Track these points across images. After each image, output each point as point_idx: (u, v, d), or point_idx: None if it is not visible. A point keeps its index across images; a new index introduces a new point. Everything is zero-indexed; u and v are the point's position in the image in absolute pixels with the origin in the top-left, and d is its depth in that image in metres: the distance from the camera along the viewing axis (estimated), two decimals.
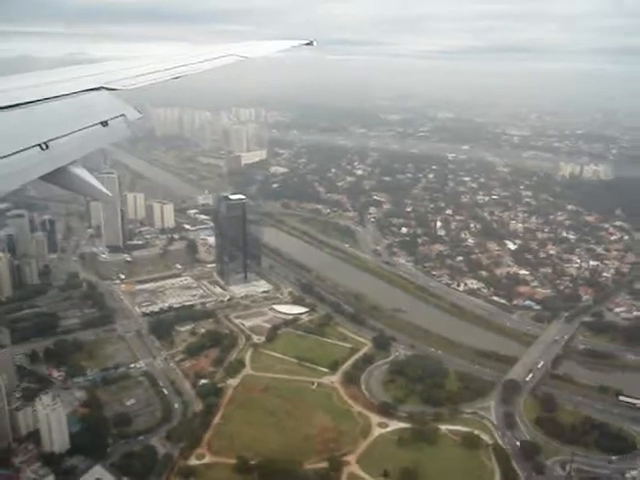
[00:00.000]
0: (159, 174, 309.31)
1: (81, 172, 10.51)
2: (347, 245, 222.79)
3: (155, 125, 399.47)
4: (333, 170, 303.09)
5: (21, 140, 9.13)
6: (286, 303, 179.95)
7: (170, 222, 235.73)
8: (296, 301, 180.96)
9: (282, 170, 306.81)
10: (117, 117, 11.93)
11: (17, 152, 8.67)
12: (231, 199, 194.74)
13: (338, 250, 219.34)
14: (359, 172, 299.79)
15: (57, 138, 9.76)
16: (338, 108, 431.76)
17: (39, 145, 9.20)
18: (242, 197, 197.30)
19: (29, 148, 8.99)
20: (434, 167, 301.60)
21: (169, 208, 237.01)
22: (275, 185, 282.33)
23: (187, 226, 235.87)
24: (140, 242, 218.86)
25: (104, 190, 11.20)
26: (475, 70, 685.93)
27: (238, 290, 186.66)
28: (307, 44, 24.72)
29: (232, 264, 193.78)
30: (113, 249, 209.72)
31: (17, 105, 10.10)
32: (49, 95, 11.16)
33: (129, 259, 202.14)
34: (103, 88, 12.85)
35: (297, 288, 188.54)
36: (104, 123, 11.31)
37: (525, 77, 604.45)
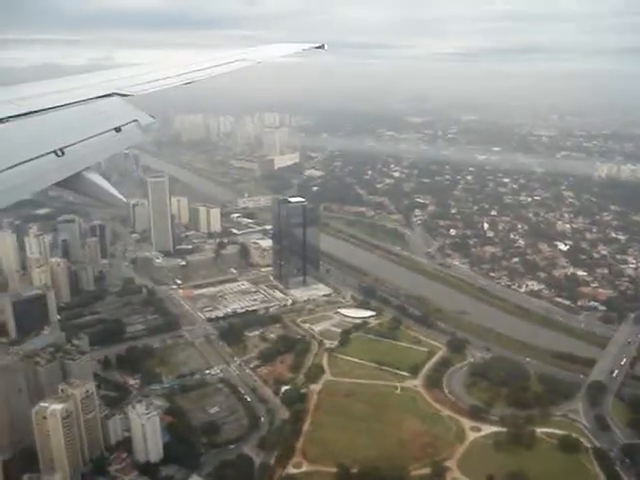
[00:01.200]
0: (192, 178, 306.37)
1: (96, 178, 10.49)
2: (398, 248, 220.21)
3: (180, 130, 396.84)
4: (369, 172, 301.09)
5: (37, 147, 9.17)
6: (350, 307, 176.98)
7: (216, 226, 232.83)
8: (360, 305, 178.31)
9: (318, 173, 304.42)
10: (130, 123, 11.94)
11: (33, 159, 8.70)
12: (291, 202, 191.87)
13: (390, 253, 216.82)
14: (396, 174, 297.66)
15: (72, 145, 9.81)
16: (360, 111, 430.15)
17: (54, 152, 9.24)
18: (302, 200, 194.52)
19: (45, 155, 9.04)
20: (470, 169, 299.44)
21: (215, 212, 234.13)
22: (315, 188, 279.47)
23: (234, 230, 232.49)
24: (189, 247, 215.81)
25: (119, 196, 11.15)
26: (491, 71, 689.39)
27: (299, 294, 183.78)
28: (318, 47, 24.79)
29: (290, 268, 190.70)
30: (165, 254, 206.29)
31: (32, 112, 10.15)
32: (63, 102, 11.24)
33: (183, 264, 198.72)
34: (116, 94, 12.89)
35: (358, 292, 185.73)
36: (117, 129, 11.38)
37: (542, 78, 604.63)
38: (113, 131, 11.34)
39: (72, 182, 10.00)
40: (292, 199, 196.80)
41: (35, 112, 10.33)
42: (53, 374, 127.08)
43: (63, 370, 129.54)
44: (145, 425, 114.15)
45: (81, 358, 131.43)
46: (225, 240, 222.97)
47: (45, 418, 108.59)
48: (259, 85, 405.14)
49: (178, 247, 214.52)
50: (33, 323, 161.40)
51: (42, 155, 9.08)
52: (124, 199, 11.84)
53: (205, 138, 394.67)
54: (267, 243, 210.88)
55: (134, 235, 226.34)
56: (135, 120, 12.21)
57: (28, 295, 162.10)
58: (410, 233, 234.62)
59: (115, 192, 11.14)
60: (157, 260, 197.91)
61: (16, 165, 8.42)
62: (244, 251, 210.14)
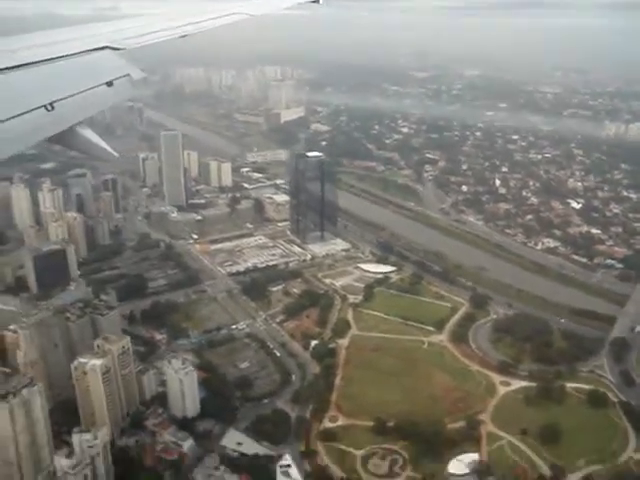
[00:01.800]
0: (197, 132, 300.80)
1: (87, 132, 10.26)
2: (411, 203, 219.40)
3: (181, 83, 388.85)
4: (377, 127, 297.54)
5: (27, 101, 8.88)
6: (370, 262, 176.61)
7: (228, 180, 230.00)
8: (379, 260, 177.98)
9: (324, 128, 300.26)
10: (122, 77, 11.69)
11: (23, 113, 8.45)
12: (309, 156, 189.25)
13: (404, 208, 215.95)
14: (404, 130, 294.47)
15: (62, 99, 9.51)
16: (362, 65, 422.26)
17: (44, 106, 8.96)
18: (319, 154, 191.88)
19: (35, 109, 8.77)
20: (479, 125, 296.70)
21: (227, 166, 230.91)
22: (323, 143, 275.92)
23: (246, 185, 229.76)
24: (202, 201, 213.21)
25: (110, 150, 10.91)
26: (491, 26, 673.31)
27: (317, 249, 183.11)
28: (313, 1, 24.49)
29: (307, 222, 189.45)
30: (178, 208, 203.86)
31: (22, 65, 9.84)
32: (54, 55, 10.90)
33: (199, 218, 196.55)
34: (108, 48, 12.58)
35: (376, 247, 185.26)
36: (109, 83, 11.12)
37: (543, 33, 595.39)
38: (104, 85, 11.05)
39: (63, 137, 9.80)
40: (309, 153, 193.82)
41: (25, 65, 9.99)
42: (84, 330, 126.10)
43: (93, 325, 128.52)
44: (183, 380, 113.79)
45: (110, 313, 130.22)
46: (237, 195, 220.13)
47: (85, 373, 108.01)
48: (257, 37, 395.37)
49: (191, 201, 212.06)
50: (54, 278, 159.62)
51: (32, 109, 8.77)
52: (116, 154, 11.44)
53: (207, 91, 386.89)
54: (282, 198, 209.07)
55: (145, 189, 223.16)
56: (127, 74, 11.91)
57: (48, 250, 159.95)
58: (422, 189, 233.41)
59: (107, 146, 10.85)
60: (172, 215, 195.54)
61: (5, 120, 8.12)
62: (258, 206, 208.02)
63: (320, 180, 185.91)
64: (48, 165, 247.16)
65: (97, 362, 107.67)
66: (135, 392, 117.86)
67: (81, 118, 10.21)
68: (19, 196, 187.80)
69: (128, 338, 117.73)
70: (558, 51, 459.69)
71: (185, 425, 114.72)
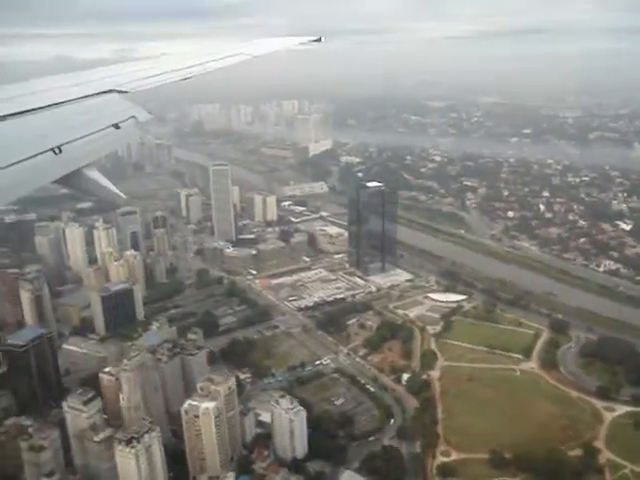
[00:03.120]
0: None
1: (95, 175, 10.28)
2: (462, 231, 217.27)
3: (201, 120, 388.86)
4: (409, 157, 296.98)
5: (35, 145, 9.05)
6: (438, 291, 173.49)
7: (273, 214, 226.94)
8: (445, 289, 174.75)
9: (356, 160, 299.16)
10: (128, 119, 11.82)
11: (31, 157, 8.60)
12: (369, 187, 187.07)
13: (455, 236, 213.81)
14: (437, 158, 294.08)
15: (70, 142, 9.65)
16: (375, 97, 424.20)
17: (52, 149, 9.09)
18: (380, 185, 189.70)
19: (43, 152, 8.89)
20: (509, 152, 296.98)
21: (272, 200, 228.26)
22: (359, 174, 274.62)
23: (292, 218, 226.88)
24: (252, 236, 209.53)
25: (118, 192, 10.85)
26: (496, 53, 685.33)
27: (380, 280, 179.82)
28: (315, 40, 24.43)
29: (367, 254, 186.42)
30: (232, 244, 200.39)
31: (31, 110, 10.07)
32: (61, 100, 11.12)
33: (254, 253, 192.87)
34: (114, 91, 12.80)
35: (439, 276, 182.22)
36: (116, 125, 11.24)
37: (547, 59, 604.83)
38: (111, 128, 11.16)
39: (71, 179, 9.73)
40: (369, 184, 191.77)
41: (33, 110, 10.22)
42: (175, 371, 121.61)
43: (182, 366, 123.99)
44: (293, 420, 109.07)
45: (199, 353, 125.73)
46: (285, 228, 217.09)
47: (197, 417, 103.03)
48: (264, 74, 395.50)
49: (240, 236, 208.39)
50: (121, 318, 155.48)
51: (40, 153, 8.87)
52: (124, 196, 11.36)
53: (227, 127, 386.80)
54: (334, 230, 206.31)
55: (189, 226, 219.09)
56: (133, 116, 12.02)
57: (116, 289, 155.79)
58: (468, 216, 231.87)
59: (114, 189, 10.78)
60: (227, 250, 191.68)
61: (14, 163, 8.19)
62: (312, 239, 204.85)
63: (381, 210, 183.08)
64: (85, 204, 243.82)
65: (209, 405, 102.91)
66: (238, 435, 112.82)
67: (89, 161, 10.24)
68: (73, 235, 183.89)
69: (233, 379, 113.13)
70: (565, 76, 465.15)
71: (296, 467, 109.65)
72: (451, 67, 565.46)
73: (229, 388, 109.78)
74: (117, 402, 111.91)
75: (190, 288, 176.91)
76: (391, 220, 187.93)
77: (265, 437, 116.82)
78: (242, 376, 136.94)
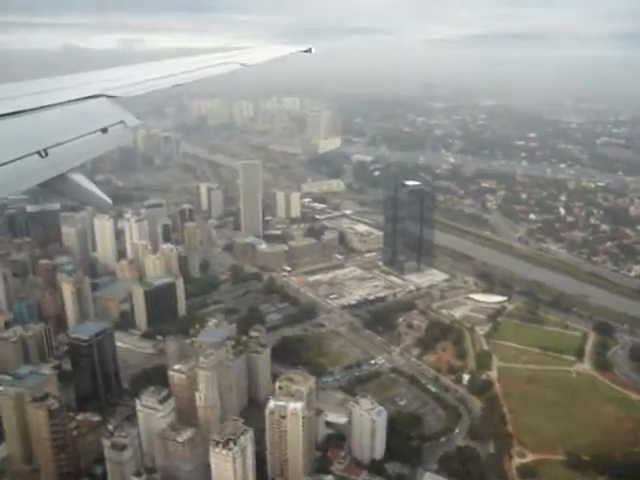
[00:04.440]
0: (236, 164, 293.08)
1: (80, 179, 10.21)
2: (487, 232, 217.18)
3: (203, 115, 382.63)
4: (422, 158, 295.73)
5: (21, 147, 8.98)
6: (476, 292, 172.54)
7: (296, 211, 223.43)
8: (484, 290, 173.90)
9: (368, 158, 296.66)
10: (116, 124, 11.83)
11: (16, 159, 8.56)
12: (408, 185, 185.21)
13: (482, 238, 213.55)
14: (451, 159, 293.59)
15: (56, 145, 9.57)
16: (376, 97, 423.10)
17: (38, 152, 9.03)
18: (418, 184, 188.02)
19: (28, 155, 8.86)
20: (522, 154, 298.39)
21: (295, 197, 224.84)
22: (376, 173, 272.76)
23: (317, 216, 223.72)
24: (278, 232, 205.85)
25: (104, 197, 10.77)
26: (492, 58, 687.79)
27: (417, 280, 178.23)
28: (305, 51, 24.70)
29: (403, 253, 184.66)
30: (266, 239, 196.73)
31: (18, 112, 9.98)
32: (49, 102, 11.05)
33: (286, 249, 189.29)
34: (102, 95, 12.79)
35: (474, 277, 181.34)
36: (104, 130, 11.23)
37: (543, 64, 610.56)
38: (99, 132, 11.09)
39: (56, 183, 9.69)
40: (408, 182, 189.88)
41: (20, 112, 10.08)
42: (241, 369, 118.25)
43: (247, 364, 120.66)
44: (376, 421, 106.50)
45: (264, 351, 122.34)
46: (309, 225, 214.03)
47: (283, 417, 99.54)
48: (264, 72, 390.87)
49: (266, 232, 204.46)
50: (163, 313, 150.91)
51: (25, 156, 8.78)
52: (109, 201, 11.12)
53: (230, 122, 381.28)
54: (363, 228, 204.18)
55: (210, 220, 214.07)
56: (122, 121, 11.97)
57: (158, 284, 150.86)
58: (490, 217, 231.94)
59: (100, 193, 10.65)
60: (260, 246, 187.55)
61: None
62: (341, 236, 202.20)
63: (418, 210, 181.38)
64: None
65: (297, 405, 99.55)
66: (313, 436, 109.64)
67: (75, 164, 10.12)
68: (103, 227, 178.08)
69: (314, 378, 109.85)
70: (560, 81, 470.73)
71: (375, 468, 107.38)
72: (448, 69, 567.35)
73: (310, 387, 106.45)
74: (188, 401, 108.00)
75: (226, 284, 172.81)
76: (428, 220, 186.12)
77: (337, 438, 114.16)
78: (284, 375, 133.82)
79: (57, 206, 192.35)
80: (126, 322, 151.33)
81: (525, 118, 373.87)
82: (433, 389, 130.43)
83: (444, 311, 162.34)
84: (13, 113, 9.94)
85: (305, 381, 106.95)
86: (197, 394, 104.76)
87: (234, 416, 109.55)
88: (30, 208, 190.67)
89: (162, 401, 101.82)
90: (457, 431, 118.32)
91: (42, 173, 9.18)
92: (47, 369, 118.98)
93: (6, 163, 8.35)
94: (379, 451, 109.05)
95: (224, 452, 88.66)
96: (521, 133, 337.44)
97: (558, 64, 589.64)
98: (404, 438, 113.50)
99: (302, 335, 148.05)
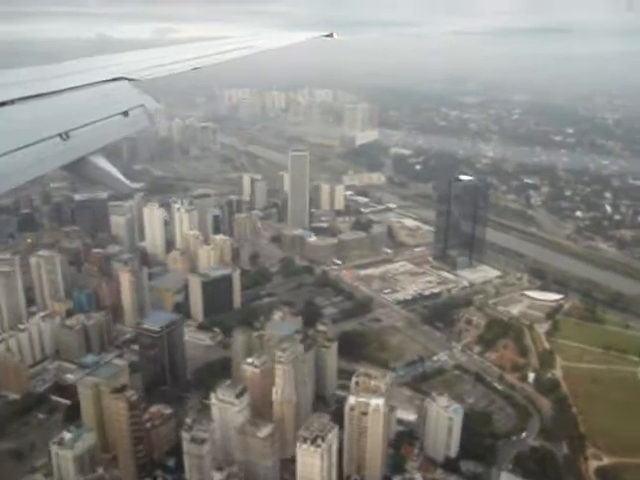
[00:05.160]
0: (273, 155, 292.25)
1: (102, 162, 10.14)
2: (534, 229, 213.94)
3: (235, 105, 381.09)
4: (461, 152, 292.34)
5: (42, 130, 9.01)
6: (531, 289, 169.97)
7: (340, 204, 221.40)
8: (538, 288, 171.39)
9: (406, 152, 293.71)
10: (137, 107, 11.64)
11: (38, 142, 8.60)
12: (462, 180, 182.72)
13: (529, 234, 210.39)
14: (490, 154, 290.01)
15: (78, 128, 9.56)
16: (407, 90, 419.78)
17: (60, 135, 9.05)
18: (472, 178, 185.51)
19: (50, 138, 8.87)
20: (563, 150, 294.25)
21: (340, 189, 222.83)
22: (417, 167, 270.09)
23: (362, 209, 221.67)
24: (325, 225, 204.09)
25: (125, 181, 10.68)
26: (519, 51, 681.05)
27: (470, 275, 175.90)
28: (326, 36, 24.14)
29: (452, 248, 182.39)
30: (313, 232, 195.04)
31: (40, 95, 10.02)
32: (70, 85, 11.09)
33: (335, 242, 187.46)
34: (123, 78, 12.70)
35: (526, 274, 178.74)
36: (125, 113, 11.11)
37: (571, 59, 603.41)
38: (120, 115, 11.02)
39: (77, 166, 9.60)
40: (462, 177, 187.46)
41: (42, 95, 10.11)
42: (310, 364, 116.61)
43: (315, 358, 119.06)
44: (453, 418, 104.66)
45: (332, 345, 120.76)
46: (354, 218, 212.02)
47: (365, 414, 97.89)
48: (291, 63, 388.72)
49: (312, 225, 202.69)
50: (219, 305, 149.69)
51: (47, 138, 8.81)
52: (130, 184, 11.44)
53: (262, 113, 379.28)
54: (411, 222, 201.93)
55: (254, 212, 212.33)
56: (142, 105, 11.79)
57: (216, 275, 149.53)
58: (535, 214, 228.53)
59: (121, 177, 10.48)
60: (310, 239, 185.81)
61: (20, 148, 8.16)
62: (389, 230, 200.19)
63: (472, 205, 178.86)
64: (137, 185, 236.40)
65: (379, 401, 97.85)
66: (386, 433, 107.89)
67: (96, 147, 10.01)
68: (153, 216, 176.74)
69: (391, 374, 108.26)
70: (593, 76, 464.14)
71: (450, 467, 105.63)
72: (476, 63, 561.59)
73: (387, 383, 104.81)
74: (261, 395, 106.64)
75: (277, 276, 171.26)
76: (480, 216, 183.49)
77: (407, 435, 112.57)
78: (361, 370, 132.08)
79: (105, 195, 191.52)
80: (181, 313, 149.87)
81: (560, 113, 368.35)
82: (499, 387, 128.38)
83: (501, 308, 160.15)
84: (36, 96, 9.92)
85: (383, 377, 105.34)
86: (274, 389, 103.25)
87: (306, 411, 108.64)
88: (78, 197, 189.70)
89: (238, 395, 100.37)
90: (528, 430, 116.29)
91: (63, 156, 9.08)
92: (119, 360, 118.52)
93: (28, 145, 8.31)
94: (453, 449, 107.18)
95: (312, 449, 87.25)
96: (558, 128, 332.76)
97: (590, 58, 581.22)
98: (476, 436, 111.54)
99: (361, 330, 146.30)
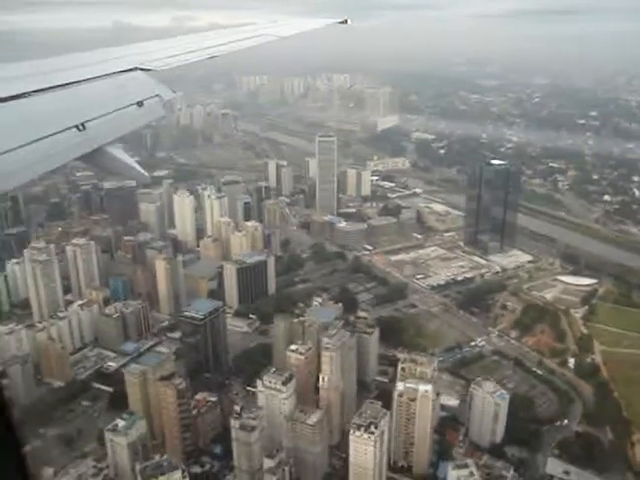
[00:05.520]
0: (294, 141, 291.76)
1: (118, 153, 10.15)
2: (562, 213, 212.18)
3: (254, 91, 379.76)
4: (484, 136, 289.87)
5: (59, 121, 9.07)
6: (564, 274, 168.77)
7: (367, 189, 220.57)
8: (571, 272, 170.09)
9: (429, 136, 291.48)
10: (152, 97, 11.78)
11: (55, 133, 8.63)
12: (494, 164, 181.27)
13: (557, 218, 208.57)
14: (514, 138, 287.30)
15: (94, 119, 9.63)
16: (425, 74, 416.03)
17: (76, 126, 9.12)
18: (504, 163, 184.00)
19: (67, 129, 8.94)
20: (588, 133, 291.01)
21: (366, 175, 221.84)
22: (441, 151, 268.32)
23: (389, 194, 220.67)
24: (352, 210, 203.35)
25: (141, 170, 10.80)
26: (535, 33, 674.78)
27: (502, 260, 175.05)
28: (341, 22, 24.13)
29: (483, 233, 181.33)
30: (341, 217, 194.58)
31: (55, 87, 10.04)
32: (85, 77, 11.13)
33: (364, 228, 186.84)
34: (138, 69, 12.75)
35: (558, 258, 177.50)
36: (140, 103, 11.23)
37: (592, 40, 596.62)
38: (135, 105, 11.11)
39: (94, 157, 9.65)
40: (494, 161, 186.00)
41: (58, 86, 10.12)
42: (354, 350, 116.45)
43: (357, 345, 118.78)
44: (500, 404, 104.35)
45: (373, 332, 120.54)
46: (384, 204, 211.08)
47: (413, 400, 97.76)
48: (308, 49, 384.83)
49: (340, 210, 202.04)
50: (254, 292, 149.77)
51: (64, 130, 8.88)
52: (146, 174, 11.39)
53: (281, 99, 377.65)
54: (439, 207, 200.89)
55: (281, 198, 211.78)
56: (157, 95, 11.98)
57: (251, 262, 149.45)
58: (563, 198, 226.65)
59: (137, 167, 10.64)
60: (340, 224, 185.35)
61: (38, 140, 8.20)
62: (418, 215, 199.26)
63: (503, 190, 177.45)
64: (162, 172, 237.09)
65: (428, 387, 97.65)
66: (434, 419, 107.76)
67: (112, 138, 10.07)
68: (183, 203, 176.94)
69: (436, 360, 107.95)
70: (612, 58, 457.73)
71: (496, 452, 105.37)
72: (495, 46, 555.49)
73: (433, 370, 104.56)
74: (305, 382, 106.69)
75: (309, 262, 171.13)
76: (512, 200, 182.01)
77: (451, 420, 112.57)
78: (400, 355, 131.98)
79: (134, 183, 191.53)
80: (215, 299, 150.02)
81: (581, 96, 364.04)
82: (539, 372, 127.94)
83: (535, 293, 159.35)
84: (51, 87, 9.92)
85: (429, 363, 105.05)
86: (321, 375, 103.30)
87: (351, 398, 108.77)
88: (107, 184, 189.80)
89: (285, 382, 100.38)
90: (571, 416, 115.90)
91: (80, 147, 9.13)
92: (162, 348, 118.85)
93: (46, 137, 8.37)
94: (499, 435, 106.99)
95: (366, 436, 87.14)
96: (580, 111, 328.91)
97: (609, 40, 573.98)
98: (520, 422, 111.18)
99: (397, 316, 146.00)
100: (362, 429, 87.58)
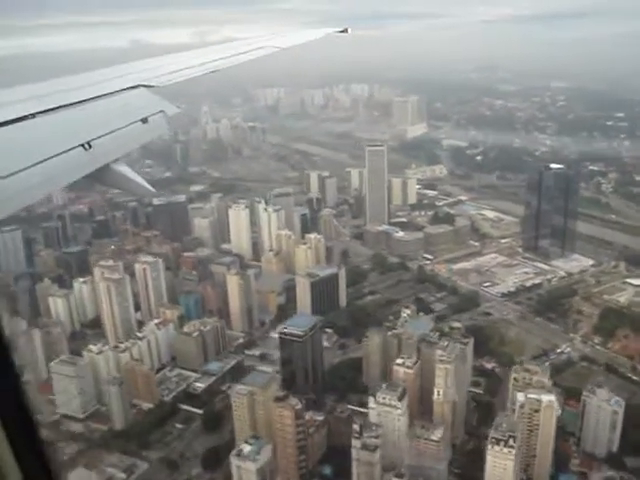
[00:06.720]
0: (324, 152, 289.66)
1: (124, 169, 10.16)
2: (612, 216, 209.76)
3: (274, 104, 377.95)
4: (517, 140, 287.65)
5: (66, 141, 9.15)
6: (630, 277, 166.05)
7: (413, 198, 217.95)
8: (638, 275, 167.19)
9: (462, 143, 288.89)
10: (156, 114, 11.87)
11: (62, 152, 8.70)
12: (552, 169, 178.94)
13: (608, 221, 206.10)
14: (547, 142, 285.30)
15: (99, 137, 9.67)
16: (443, 82, 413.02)
17: (82, 145, 9.20)
18: (562, 167, 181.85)
19: (73, 148, 9.01)
20: (621, 135, 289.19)
21: (412, 183, 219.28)
22: (478, 158, 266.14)
23: (436, 202, 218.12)
24: (403, 220, 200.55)
25: (148, 187, 10.65)
26: (545, 37, 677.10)
27: (565, 265, 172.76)
28: (341, 32, 24.18)
29: (543, 238, 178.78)
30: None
31: (59, 107, 10.15)
32: (89, 96, 11.26)
33: (421, 237, 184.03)
34: (141, 86, 12.85)
35: (621, 261, 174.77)
36: (144, 120, 11.33)
37: (603, 42, 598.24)
38: (139, 122, 11.16)
39: (101, 174, 9.68)
40: (552, 165, 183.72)
41: (62, 107, 10.23)
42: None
43: None
44: (617, 412, 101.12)
45: (469, 342, 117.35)
46: (434, 212, 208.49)
47: (537, 411, 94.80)
48: (318, 60, 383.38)
49: (391, 220, 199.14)
50: (326, 306, 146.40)
51: (70, 149, 8.91)
52: (153, 189, 11.09)
53: (302, 111, 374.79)
54: (492, 214, 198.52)
55: (327, 209, 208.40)
56: (161, 111, 12.06)
57: (323, 275, 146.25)
58: (609, 201, 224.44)
59: (144, 183, 10.50)
60: (397, 234, 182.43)
61: (45, 160, 8.25)
62: (472, 223, 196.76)
63: (563, 194, 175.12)
64: (199, 187, 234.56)
65: (551, 397, 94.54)
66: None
67: (118, 155, 10.17)
68: (239, 217, 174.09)
69: (548, 367, 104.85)
70: (620, 60, 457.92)
71: (615, 463, 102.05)
72: (505, 51, 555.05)
73: (548, 379, 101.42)
74: (413, 396, 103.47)
75: (372, 273, 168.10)
76: (572, 205, 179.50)
77: (558, 429, 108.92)
78: (488, 365, 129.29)
79: (183, 197, 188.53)
80: (286, 315, 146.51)
81: (603, 98, 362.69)
82: (635, 378, 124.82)
83: (606, 297, 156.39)
84: (56, 108, 9.97)
85: (543, 372, 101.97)
86: (435, 389, 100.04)
87: (461, 410, 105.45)
88: (156, 200, 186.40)
89: (400, 398, 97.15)
90: None
91: (87, 165, 9.17)
92: (264, 367, 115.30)
93: (53, 157, 8.41)
94: (615, 444, 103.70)
95: (506, 450, 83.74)
96: (607, 113, 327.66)
97: (618, 41, 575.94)
98: (633, 429, 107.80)
99: (476, 325, 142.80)
100: (502, 443, 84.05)
